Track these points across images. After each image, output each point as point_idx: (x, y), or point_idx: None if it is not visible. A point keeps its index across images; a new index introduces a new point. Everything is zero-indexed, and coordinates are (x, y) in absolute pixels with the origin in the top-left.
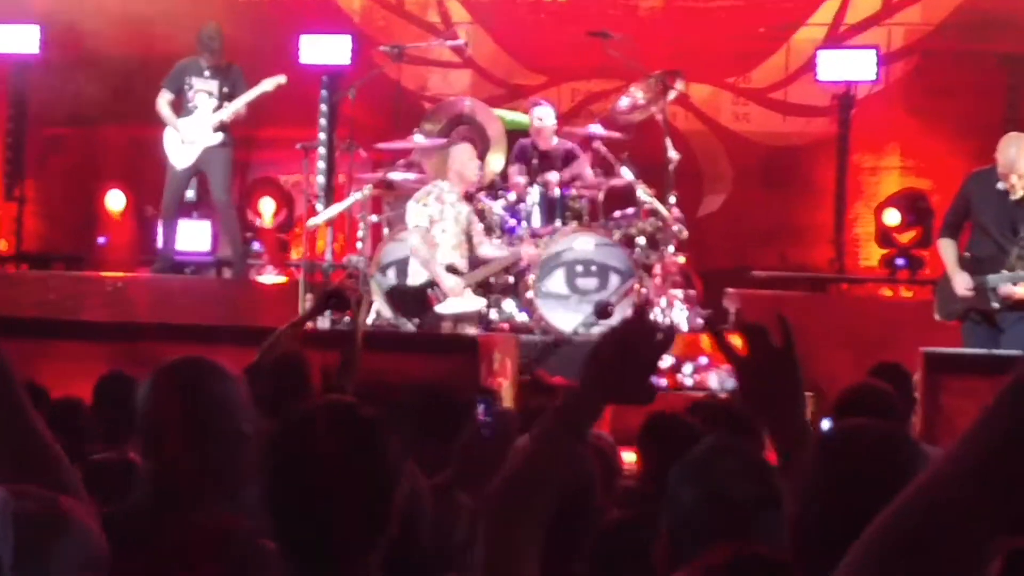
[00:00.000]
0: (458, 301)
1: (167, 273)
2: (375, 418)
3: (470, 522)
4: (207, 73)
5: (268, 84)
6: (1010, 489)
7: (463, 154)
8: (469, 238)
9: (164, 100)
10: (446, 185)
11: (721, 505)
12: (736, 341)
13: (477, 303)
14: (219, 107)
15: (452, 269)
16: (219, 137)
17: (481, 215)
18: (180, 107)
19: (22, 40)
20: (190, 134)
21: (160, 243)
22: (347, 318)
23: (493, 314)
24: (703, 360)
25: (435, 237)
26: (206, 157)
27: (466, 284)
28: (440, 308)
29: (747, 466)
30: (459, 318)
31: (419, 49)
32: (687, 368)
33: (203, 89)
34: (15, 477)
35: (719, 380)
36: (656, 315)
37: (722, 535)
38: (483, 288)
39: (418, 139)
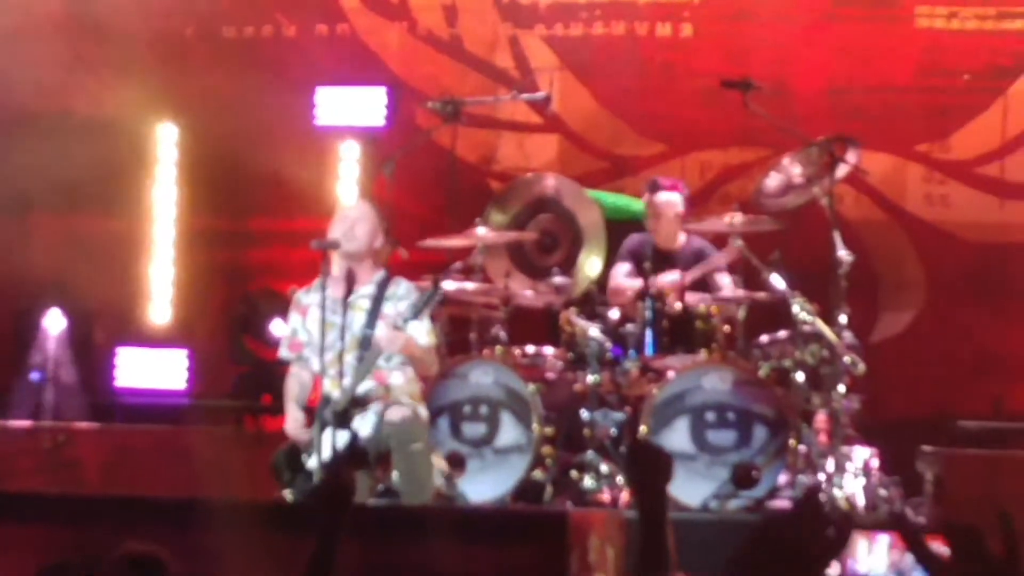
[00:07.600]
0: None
1: None
2: None
3: None
4: None
5: None
6: None
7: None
8: (364, 339)
9: None
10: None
11: None
12: (938, 544)
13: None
14: None
15: (325, 400)
16: None
17: (572, 341)
18: None
19: None
20: None
21: None
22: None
23: (588, 482)
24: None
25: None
26: None
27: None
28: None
29: None
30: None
31: (484, 105)
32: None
33: None
34: None
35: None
36: (823, 492)
37: None
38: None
39: (482, 233)
